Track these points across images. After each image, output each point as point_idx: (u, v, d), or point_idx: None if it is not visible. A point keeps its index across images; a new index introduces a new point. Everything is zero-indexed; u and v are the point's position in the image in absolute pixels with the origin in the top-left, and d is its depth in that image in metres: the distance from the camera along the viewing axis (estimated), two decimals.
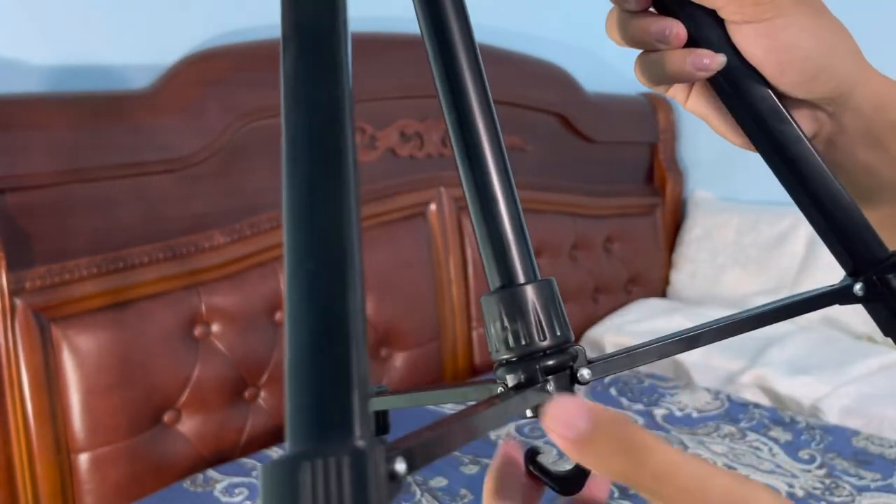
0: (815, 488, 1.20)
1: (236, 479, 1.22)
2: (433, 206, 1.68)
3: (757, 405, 1.51)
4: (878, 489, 1.19)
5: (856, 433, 1.38)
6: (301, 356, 0.22)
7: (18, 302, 1.11)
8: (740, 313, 0.38)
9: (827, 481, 1.22)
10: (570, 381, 0.33)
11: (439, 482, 1.22)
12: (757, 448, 1.33)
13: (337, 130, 0.27)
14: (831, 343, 1.78)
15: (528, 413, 0.32)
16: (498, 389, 0.33)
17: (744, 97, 0.40)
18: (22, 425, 1.12)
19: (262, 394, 1.39)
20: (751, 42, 0.38)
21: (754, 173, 2.17)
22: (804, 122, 0.40)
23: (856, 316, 1.84)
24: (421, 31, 0.35)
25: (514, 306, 0.33)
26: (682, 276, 2.20)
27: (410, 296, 1.61)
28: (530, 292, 0.33)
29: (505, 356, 0.33)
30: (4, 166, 1.10)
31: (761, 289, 2.02)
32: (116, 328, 1.20)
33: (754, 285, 2.04)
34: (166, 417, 1.26)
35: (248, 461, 1.27)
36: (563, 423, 0.25)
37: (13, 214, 1.12)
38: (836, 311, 1.88)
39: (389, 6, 1.49)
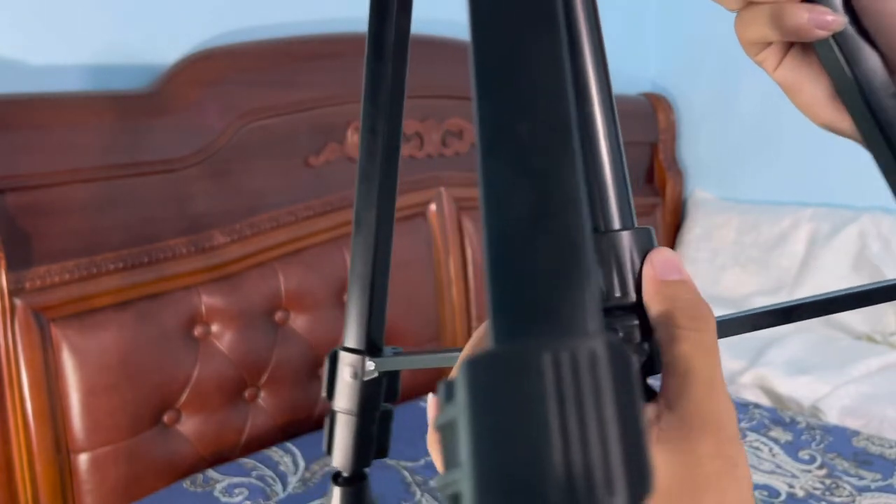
0: (815, 488, 1.20)
1: (236, 480, 1.21)
2: (433, 206, 1.68)
3: (757, 405, 1.51)
4: (878, 489, 1.19)
5: (856, 433, 1.38)
6: (521, 232, 0.18)
7: (18, 302, 1.11)
8: (833, 293, 0.36)
9: (827, 481, 1.22)
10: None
11: None
12: (757, 448, 1.33)
13: None
14: (831, 343, 1.78)
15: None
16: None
17: (856, 66, 0.36)
18: (22, 425, 1.12)
19: (262, 394, 1.39)
20: (871, 3, 0.35)
21: (755, 173, 2.17)
22: None
23: (856, 316, 1.84)
24: None
25: (607, 253, 0.29)
26: None
27: (410, 296, 1.61)
28: (626, 238, 0.30)
29: (602, 305, 0.29)
30: (4, 166, 1.10)
31: (761, 289, 2.02)
32: (117, 328, 1.20)
33: (754, 285, 2.04)
34: (166, 417, 1.26)
35: (248, 461, 1.27)
36: (671, 266, 0.29)
37: (13, 214, 1.12)
38: None
39: None
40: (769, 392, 1.63)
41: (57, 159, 1.15)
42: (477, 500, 0.15)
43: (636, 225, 0.31)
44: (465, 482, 0.15)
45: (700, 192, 2.27)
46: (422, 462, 1.27)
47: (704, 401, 0.26)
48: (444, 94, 1.64)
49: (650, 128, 2.19)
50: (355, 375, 0.42)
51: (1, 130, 1.10)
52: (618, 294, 0.29)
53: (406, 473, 1.23)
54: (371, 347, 0.43)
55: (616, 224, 0.30)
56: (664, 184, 2.24)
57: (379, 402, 0.43)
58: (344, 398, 0.42)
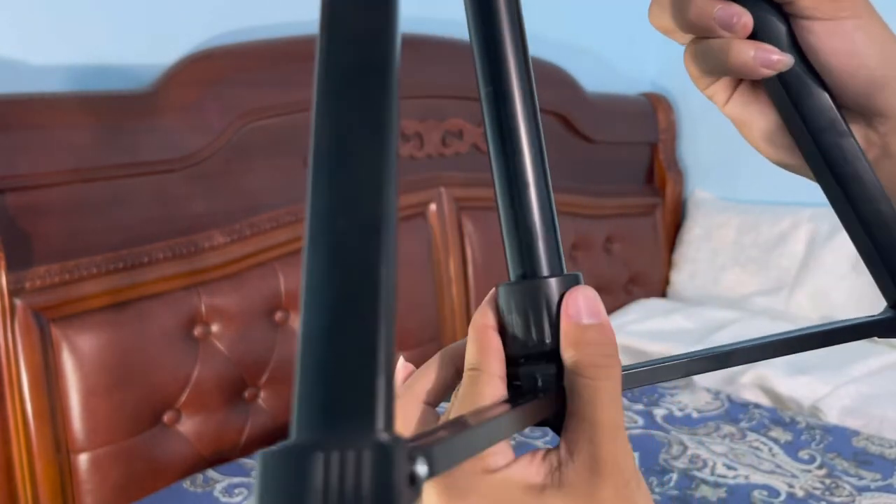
0: (815, 488, 1.20)
1: (236, 480, 1.21)
2: (433, 206, 1.68)
3: (757, 405, 1.51)
4: (878, 489, 1.19)
5: (856, 433, 1.38)
6: (320, 328, 0.19)
7: (18, 302, 1.11)
8: (774, 336, 0.36)
9: (827, 481, 1.22)
10: None
11: None
12: (757, 448, 1.33)
13: (382, 65, 0.22)
14: None
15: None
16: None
17: (802, 104, 0.36)
18: (21, 425, 1.12)
19: (262, 394, 1.39)
20: (820, 42, 0.35)
21: (755, 173, 2.17)
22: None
23: (856, 316, 1.84)
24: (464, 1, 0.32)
25: (536, 299, 0.30)
26: (683, 276, 2.20)
27: (410, 296, 1.61)
28: (554, 286, 0.30)
29: (522, 353, 0.30)
30: (5, 166, 1.10)
31: (761, 289, 2.02)
32: (116, 328, 1.20)
33: (754, 285, 2.04)
34: (166, 417, 1.26)
35: (247, 461, 1.27)
36: (585, 309, 0.29)
37: (13, 214, 1.12)
38: (836, 311, 1.88)
39: None
40: (769, 392, 1.63)
41: (57, 159, 1.15)
42: None
43: (565, 272, 0.31)
44: None
45: (700, 192, 2.27)
46: None
47: (604, 448, 0.28)
48: (444, 94, 1.64)
49: (650, 128, 2.19)
50: None
51: (1, 130, 1.10)
52: (547, 340, 0.30)
53: None
54: None
55: (543, 271, 0.30)
56: (664, 184, 2.24)
57: None
58: None
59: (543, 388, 0.30)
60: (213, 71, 1.34)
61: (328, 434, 0.18)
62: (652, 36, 2.04)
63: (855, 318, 0.37)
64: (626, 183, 2.19)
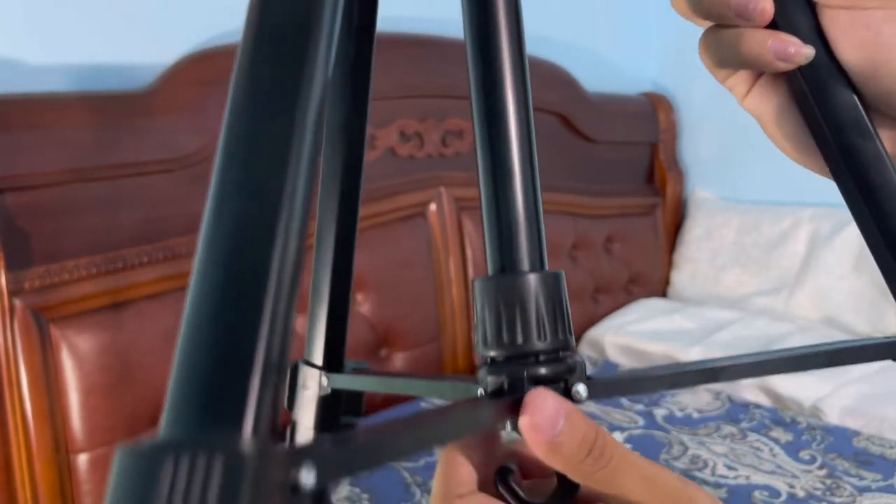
0: (815, 489, 1.20)
1: None
2: (433, 206, 1.68)
3: (758, 405, 1.51)
4: (878, 490, 1.19)
5: (856, 433, 1.38)
6: (196, 318, 0.17)
7: (17, 302, 1.10)
8: (774, 352, 0.33)
9: (828, 482, 1.22)
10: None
11: None
12: (758, 448, 1.33)
13: (307, 25, 0.20)
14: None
15: (507, 428, 0.27)
16: (478, 391, 0.28)
17: (825, 101, 0.33)
18: (21, 425, 1.12)
19: None
20: (845, 33, 0.32)
21: (755, 173, 2.17)
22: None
23: (857, 316, 1.84)
24: None
25: (512, 295, 0.28)
26: (683, 276, 2.20)
27: (410, 296, 1.61)
28: (533, 281, 0.28)
29: (491, 353, 0.28)
30: (4, 166, 1.10)
31: (762, 289, 2.02)
32: (116, 328, 1.19)
33: (755, 285, 2.04)
34: None
35: None
36: (544, 425, 0.25)
37: (13, 214, 1.12)
38: (837, 311, 1.87)
39: (390, 5, 1.49)
40: (770, 392, 1.63)
41: (56, 159, 1.15)
42: None
43: (546, 268, 0.29)
44: None
45: (700, 192, 2.27)
46: (422, 463, 1.27)
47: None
48: (444, 94, 1.64)
49: (650, 127, 2.19)
50: (311, 391, 0.41)
51: (0, 130, 1.10)
52: (516, 340, 0.28)
53: (406, 474, 1.23)
54: (331, 363, 0.41)
55: (524, 266, 0.29)
56: (664, 183, 2.24)
57: (338, 417, 0.42)
58: (303, 411, 0.41)
59: (509, 391, 0.27)
60: (213, 71, 1.34)
61: (191, 435, 0.16)
62: (652, 35, 2.05)
63: (867, 339, 0.34)
64: (627, 183, 2.19)
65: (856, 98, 0.33)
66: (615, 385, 0.30)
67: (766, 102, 0.36)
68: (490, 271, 0.29)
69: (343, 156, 0.40)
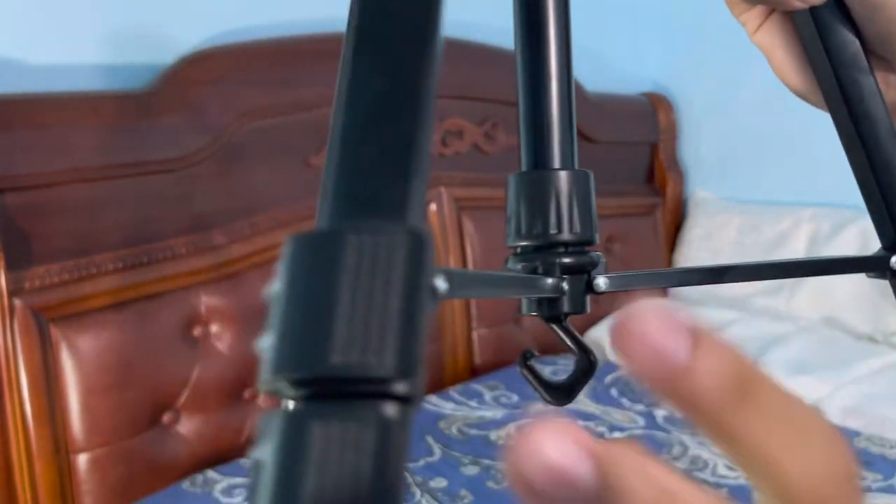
0: None
1: (236, 480, 1.21)
2: (433, 206, 1.68)
3: None
4: (879, 490, 1.19)
5: (857, 434, 1.38)
6: (355, 123, 0.19)
7: (17, 302, 1.10)
8: (769, 261, 0.37)
9: None
10: (585, 288, 0.31)
11: (439, 483, 1.21)
12: None
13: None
14: (832, 343, 1.77)
15: (533, 311, 0.30)
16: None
17: (829, 38, 0.37)
18: (21, 425, 1.12)
19: (262, 394, 1.38)
20: None
21: (755, 173, 2.17)
22: None
23: (857, 316, 1.84)
24: None
25: (543, 189, 0.30)
26: None
27: None
28: (564, 178, 0.30)
29: (523, 242, 0.30)
30: (4, 166, 1.10)
31: (762, 289, 2.02)
32: (116, 328, 1.19)
33: (755, 285, 2.04)
34: (166, 418, 1.26)
35: (247, 462, 1.27)
36: (663, 344, 0.16)
37: (12, 214, 1.12)
38: (837, 311, 1.87)
39: None
40: None
41: (56, 159, 1.15)
42: (272, 353, 0.17)
43: (576, 167, 0.31)
44: (267, 340, 0.18)
45: (701, 192, 2.26)
46: (422, 463, 1.27)
47: None
48: (444, 94, 1.64)
49: (651, 127, 2.19)
50: None
51: (0, 130, 1.10)
52: (547, 230, 0.29)
53: (406, 474, 1.23)
54: None
55: (556, 163, 0.31)
56: (665, 183, 2.24)
57: None
58: None
59: (559, 274, 0.30)
60: (213, 71, 1.34)
61: (357, 223, 0.18)
62: (653, 35, 2.04)
63: (848, 256, 0.39)
64: (627, 183, 2.19)
65: (857, 38, 0.36)
66: (629, 280, 0.33)
67: (775, 37, 0.39)
68: (524, 167, 0.31)
69: None
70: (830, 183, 1.98)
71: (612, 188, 2.12)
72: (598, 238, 0.31)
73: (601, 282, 0.30)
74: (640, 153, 2.22)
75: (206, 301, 1.30)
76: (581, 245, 0.30)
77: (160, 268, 1.25)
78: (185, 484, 1.20)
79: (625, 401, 1.53)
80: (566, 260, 0.30)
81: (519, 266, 0.30)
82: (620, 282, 0.32)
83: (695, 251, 2.18)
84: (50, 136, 1.14)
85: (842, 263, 0.38)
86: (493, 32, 1.76)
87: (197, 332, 1.29)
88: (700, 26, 2.14)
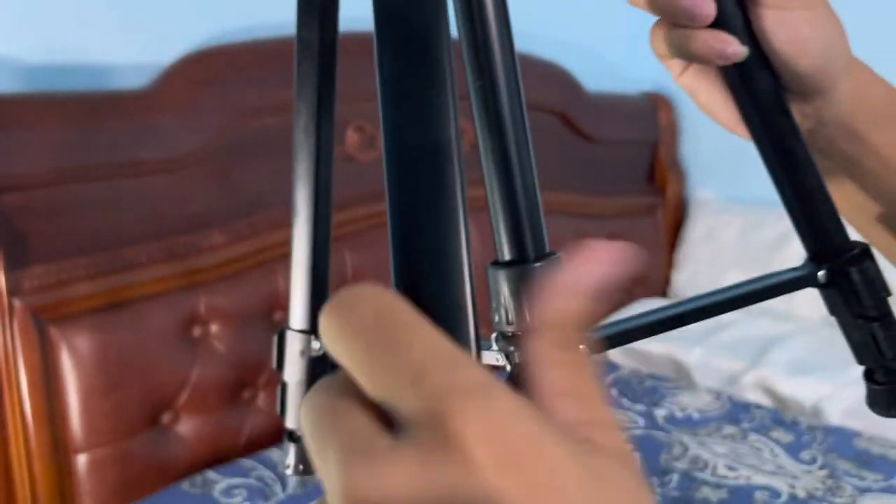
0: (816, 489, 1.19)
1: (235, 481, 1.21)
2: None
3: (758, 406, 1.51)
4: (879, 490, 1.19)
5: (857, 434, 1.37)
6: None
7: (16, 302, 1.10)
8: (703, 296, 0.41)
9: (829, 482, 1.22)
10: None
11: None
12: (758, 449, 1.33)
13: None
14: (833, 344, 1.77)
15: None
16: (498, 357, 0.34)
17: (750, 85, 0.40)
18: (20, 426, 1.12)
19: (261, 394, 1.38)
20: (771, 29, 0.39)
21: (756, 173, 2.16)
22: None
23: None
24: None
25: (522, 285, 0.32)
26: (684, 276, 2.20)
27: None
28: (538, 273, 0.33)
29: (513, 329, 0.33)
30: (2, 166, 1.10)
31: None
32: (115, 329, 1.19)
33: None
34: (165, 418, 1.26)
35: (247, 462, 1.27)
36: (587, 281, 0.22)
37: (11, 214, 1.12)
38: None
39: None
40: (771, 393, 1.62)
41: (55, 159, 1.15)
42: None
43: (547, 251, 0.34)
44: None
45: (702, 192, 2.26)
46: None
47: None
48: None
49: (651, 127, 2.19)
50: (303, 353, 0.46)
51: (0, 130, 1.10)
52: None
53: None
54: (316, 327, 0.46)
55: (532, 255, 0.33)
56: (665, 183, 2.24)
57: (326, 370, 0.46)
58: (293, 371, 0.47)
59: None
60: (212, 70, 1.33)
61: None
62: None
63: (781, 272, 0.45)
64: (627, 182, 2.19)
65: (774, 81, 0.41)
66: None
67: (698, 80, 0.44)
68: (503, 257, 0.33)
69: (316, 140, 0.48)
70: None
71: (613, 188, 2.12)
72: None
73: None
74: (640, 153, 2.21)
75: (205, 301, 1.30)
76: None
77: (159, 268, 1.25)
78: (185, 484, 1.20)
79: (625, 401, 1.53)
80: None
81: (511, 349, 0.33)
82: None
83: (695, 251, 2.18)
84: (48, 136, 1.14)
85: (779, 287, 0.44)
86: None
87: (196, 332, 1.29)
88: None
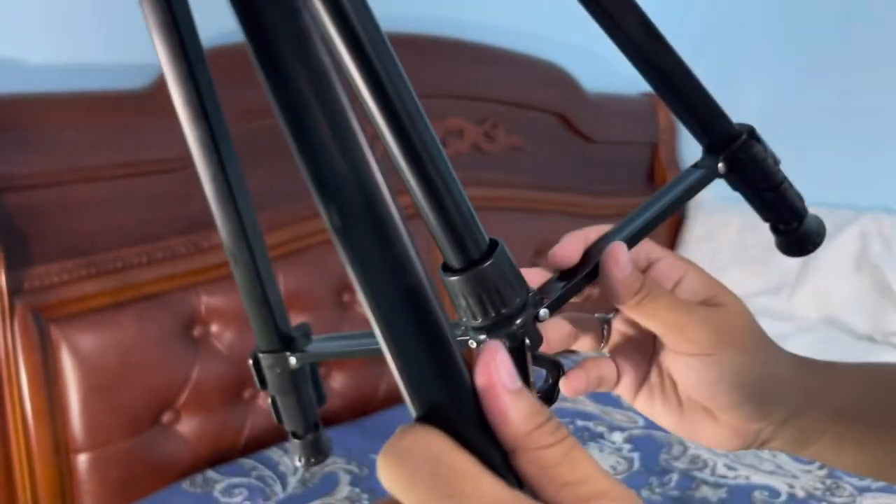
0: (815, 489, 1.20)
1: (236, 480, 1.21)
2: None
3: None
4: (878, 490, 1.19)
5: None
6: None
7: (17, 302, 1.10)
8: (627, 222, 0.46)
9: (828, 482, 1.22)
10: (534, 324, 0.37)
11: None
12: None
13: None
14: (832, 343, 1.77)
15: None
16: (470, 342, 0.36)
17: (622, 27, 0.49)
18: (21, 425, 1.12)
19: (262, 394, 1.39)
20: (678, 369, 0.46)
21: None
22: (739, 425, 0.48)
23: (857, 316, 1.84)
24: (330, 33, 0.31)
25: (479, 286, 0.34)
26: None
27: None
28: (491, 270, 0.34)
29: (479, 324, 0.35)
30: (4, 166, 1.10)
31: (763, 289, 2.02)
32: (115, 328, 1.19)
33: (756, 285, 2.04)
34: (165, 418, 1.26)
35: (247, 461, 1.27)
36: (505, 372, 0.24)
37: (12, 214, 1.12)
38: (836, 311, 1.87)
39: (389, 5, 1.49)
40: None
41: (56, 159, 1.15)
42: None
43: (488, 242, 0.35)
44: None
45: (701, 192, 2.26)
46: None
47: None
48: (444, 94, 1.64)
49: (651, 127, 2.19)
50: (281, 371, 0.48)
51: (0, 130, 1.10)
52: (493, 315, 0.35)
53: None
54: (287, 342, 0.48)
55: (477, 256, 0.34)
56: (665, 183, 2.24)
57: (307, 374, 0.49)
58: (277, 387, 0.48)
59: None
60: (213, 71, 1.33)
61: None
62: None
63: (684, 174, 0.50)
64: (627, 183, 2.19)
65: (644, 19, 0.48)
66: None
67: (652, 403, 0.53)
68: (456, 265, 0.34)
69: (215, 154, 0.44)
70: (830, 183, 1.99)
71: (612, 188, 2.12)
72: (525, 280, 0.36)
73: (542, 312, 0.37)
74: (640, 153, 2.22)
75: (206, 301, 1.30)
76: (524, 302, 0.35)
77: (160, 268, 1.25)
78: (185, 484, 1.20)
79: (625, 401, 1.53)
80: (518, 321, 0.35)
81: (481, 337, 0.36)
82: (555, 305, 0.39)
83: (695, 251, 2.18)
84: (49, 136, 1.14)
85: (689, 191, 0.50)
86: (489, 32, 1.76)
87: (197, 331, 1.29)
88: (700, 26, 2.14)
